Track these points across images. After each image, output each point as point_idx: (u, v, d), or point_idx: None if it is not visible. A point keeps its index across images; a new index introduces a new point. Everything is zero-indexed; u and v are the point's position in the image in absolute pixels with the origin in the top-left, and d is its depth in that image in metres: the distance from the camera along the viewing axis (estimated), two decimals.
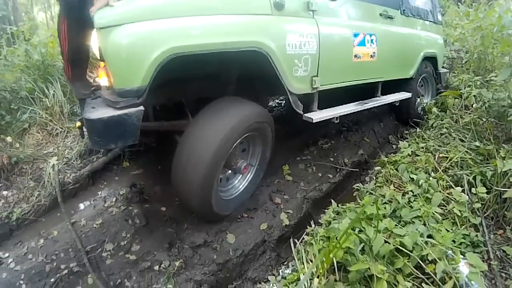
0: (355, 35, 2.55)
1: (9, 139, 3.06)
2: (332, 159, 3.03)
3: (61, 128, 3.28)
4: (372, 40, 2.71)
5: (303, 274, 1.41)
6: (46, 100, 3.39)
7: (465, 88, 3.48)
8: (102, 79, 1.76)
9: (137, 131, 1.65)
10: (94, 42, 1.69)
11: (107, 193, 2.65)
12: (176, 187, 1.97)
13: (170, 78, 1.83)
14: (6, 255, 2.20)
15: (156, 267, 1.92)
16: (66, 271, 2.02)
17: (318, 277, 1.36)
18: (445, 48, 6.63)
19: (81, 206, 2.61)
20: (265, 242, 2.11)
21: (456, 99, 3.40)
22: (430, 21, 3.96)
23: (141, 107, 1.64)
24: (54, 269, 2.05)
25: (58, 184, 2.64)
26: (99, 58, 1.70)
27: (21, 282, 2.00)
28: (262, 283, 1.91)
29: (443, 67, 5.21)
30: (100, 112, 1.64)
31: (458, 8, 10.04)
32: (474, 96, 3.14)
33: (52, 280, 1.99)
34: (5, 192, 2.66)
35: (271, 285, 1.74)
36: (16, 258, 2.16)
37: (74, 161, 2.93)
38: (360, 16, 2.72)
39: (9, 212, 2.45)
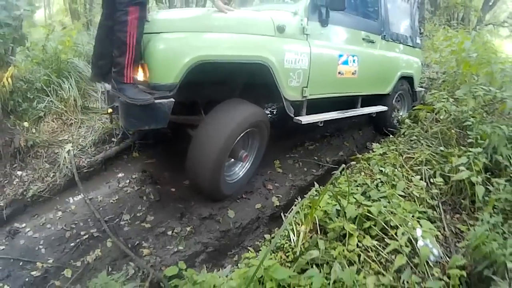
0: (340, 56, 3.20)
1: (25, 124, 3.41)
2: (316, 158, 3.65)
3: (75, 119, 3.71)
4: (354, 60, 3.36)
5: (292, 233, 1.99)
6: (62, 93, 3.81)
7: (437, 103, 4.15)
8: (139, 75, 2.25)
9: (167, 118, 2.20)
10: None
11: (121, 176, 3.10)
12: (190, 170, 2.52)
13: (192, 80, 2.35)
14: (23, 225, 2.55)
15: (169, 232, 2.44)
16: (86, 237, 2.42)
17: (304, 234, 1.94)
18: (429, 69, 7.46)
19: (96, 186, 3.00)
20: (259, 218, 2.69)
21: (428, 113, 4.06)
22: (409, 45, 4.66)
23: (172, 99, 2.19)
24: (74, 235, 2.45)
25: (74, 165, 3.04)
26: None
27: (40, 246, 2.36)
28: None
29: (422, 86, 5.96)
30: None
31: (448, 32, 10.96)
32: (443, 109, 3.77)
33: (72, 244, 2.38)
34: (19, 172, 3.02)
35: (264, 244, 2.31)
36: (33, 227, 2.52)
37: (88, 148, 3.35)
38: (345, 40, 3.37)
39: (24, 190, 2.80)
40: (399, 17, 4.46)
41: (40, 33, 5.26)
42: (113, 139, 3.50)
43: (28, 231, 2.50)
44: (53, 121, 3.70)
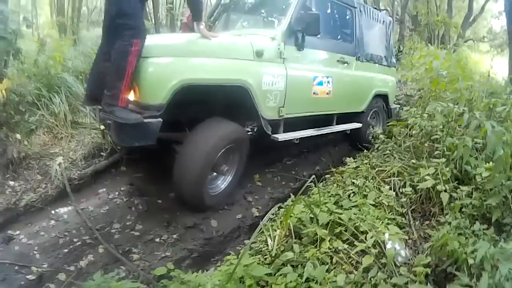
0: (315, 77, 3.55)
1: (18, 136, 3.48)
2: (293, 172, 3.96)
3: (65, 133, 3.91)
4: (328, 81, 3.71)
5: (269, 236, 2.28)
6: (52, 107, 4.02)
7: (411, 119, 4.48)
8: (130, 95, 2.55)
9: (155, 136, 2.49)
10: None
11: (110, 189, 3.28)
12: (176, 183, 2.79)
13: (177, 100, 2.61)
14: (17, 232, 2.67)
15: (157, 239, 2.68)
16: (78, 243, 2.58)
17: (279, 238, 2.23)
18: (406, 86, 7.91)
19: (87, 198, 3.16)
20: (240, 228, 2.97)
21: (402, 128, 4.37)
22: (383, 65, 5.06)
23: (160, 119, 2.47)
24: (67, 242, 2.59)
25: (65, 177, 3.20)
26: None
27: (35, 252, 2.48)
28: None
29: (399, 103, 6.38)
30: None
31: (427, 48, 11.51)
32: (416, 125, 4.06)
33: (65, 250, 2.52)
34: (11, 182, 3.15)
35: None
36: (27, 235, 2.63)
37: (78, 161, 3.52)
38: (320, 62, 3.74)
39: (16, 199, 2.92)
40: (374, 38, 4.86)
41: (28, 45, 5.48)
42: (102, 153, 3.69)
43: (22, 238, 2.63)
44: (44, 134, 3.89)
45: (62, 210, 3.02)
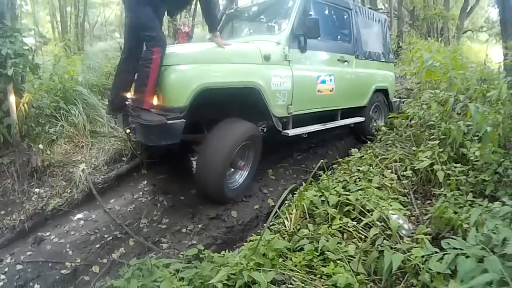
0: (318, 76, 3.93)
1: (40, 146, 3.85)
2: (303, 166, 4.33)
3: (86, 142, 4.23)
4: (331, 79, 4.09)
5: (285, 219, 2.65)
6: (72, 118, 4.38)
7: (410, 110, 4.81)
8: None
9: (179, 135, 2.85)
10: None
11: (134, 190, 3.63)
12: (199, 179, 3.16)
13: (196, 103, 2.96)
14: (47, 233, 2.95)
15: (184, 230, 3.02)
16: (109, 238, 2.88)
17: (295, 218, 2.60)
18: (406, 80, 8.27)
19: (112, 199, 3.51)
20: (258, 217, 3.32)
21: (403, 120, 4.65)
22: (382, 61, 5.42)
23: (183, 120, 2.84)
24: (98, 238, 2.89)
25: (90, 181, 3.51)
26: None
27: (67, 249, 2.76)
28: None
29: (400, 97, 6.76)
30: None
31: (427, 42, 11.85)
32: (416, 115, 4.39)
33: (97, 245, 2.82)
34: (37, 189, 3.47)
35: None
36: (58, 235, 2.91)
37: (101, 167, 3.86)
38: (322, 62, 4.12)
39: (43, 204, 3.25)
40: (371, 37, 5.23)
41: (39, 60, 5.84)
42: (123, 158, 4.04)
43: (53, 238, 2.90)
44: (65, 144, 4.21)
45: (90, 211, 3.33)
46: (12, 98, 3.62)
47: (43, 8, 17.25)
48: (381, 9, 11.41)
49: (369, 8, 5.95)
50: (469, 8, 17.91)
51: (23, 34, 3.75)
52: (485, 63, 8.23)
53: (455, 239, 2.00)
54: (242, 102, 3.41)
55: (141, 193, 3.63)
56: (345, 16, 4.68)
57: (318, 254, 2.24)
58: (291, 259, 2.24)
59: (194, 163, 3.70)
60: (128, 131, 3.29)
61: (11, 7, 3.71)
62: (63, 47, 7.44)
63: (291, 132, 3.67)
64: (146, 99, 2.82)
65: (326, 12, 4.43)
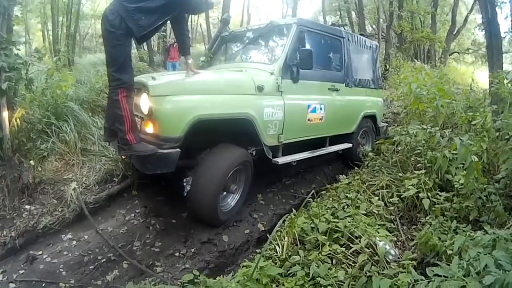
0: (309, 106, 4.18)
1: (31, 162, 3.91)
2: (292, 191, 4.58)
3: (77, 160, 4.36)
4: (321, 108, 4.35)
5: (277, 245, 2.87)
6: (63, 135, 4.49)
7: (397, 136, 5.08)
8: (148, 128, 3.14)
9: (175, 164, 3.05)
10: (145, 103, 3.04)
11: (125, 211, 3.78)
12: (193, 202, 3.34)
13: (190, 132, 3.13)
14: (39, 252, 3.03)
15: (177, 253, 3.18)
16: (103, 260, 3.00)
17: (286, 245, 2.82)
18: (393, 104, 8.64)
19: (104, 220, 3.65)
20: (248, 241, 3.52)
21: (389, 145, 4.85)
22: (371, 87, 5.71)
23: (179, 149, 3.04)
24: (92, 259, 3.00)
25: (82, 201, 3.63)
26: (147, 115, 3.06)
27: (61, 270, 2.85)
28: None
29: (386, 121, 7.08)
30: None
31: (414, 64, 12.33)
32: (402, 142, 4.59)
33: (91, 267, 2.92)
34: (27, 206, 3.56)
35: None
36: (51, 254, 2.99)
37: (92, 186, 3.98)
38: (313, 91, 4.36)
39: (35, 222, 3.33)
40: (361, 64, 5.53)
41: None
42: (114, 178, 4.18)
43: (46, 257, 2.99)
44: (57, 161, 4.34)
45: (82, 231, 3.44)
46: (5, 113, 3.72)
47: (34, 16, 17.35)
48: (374, 35, 11.84)
49: (361, 34, 6.23)
50: (456, 30, 18.70)
51: (17, 47, 3.84)
52: (471, 87, 8.71)
53: (439, 265, 2.21)
54: (235, 130, 3.58)
55: (133, 214, 3.77)
56: (337, 45, 4.94)
57: (309, 279, 2.45)
58: (283, 284, 2.45)
59: (185, 185, 3.84)
60: (124, 157, 3.46)
61: (7, 19, 3.79)
62: (55, 62, 7.51)
63: (281, 160, 3.90)
64: (127, 137, 3.01)
65: (319, 41, 4.65)
